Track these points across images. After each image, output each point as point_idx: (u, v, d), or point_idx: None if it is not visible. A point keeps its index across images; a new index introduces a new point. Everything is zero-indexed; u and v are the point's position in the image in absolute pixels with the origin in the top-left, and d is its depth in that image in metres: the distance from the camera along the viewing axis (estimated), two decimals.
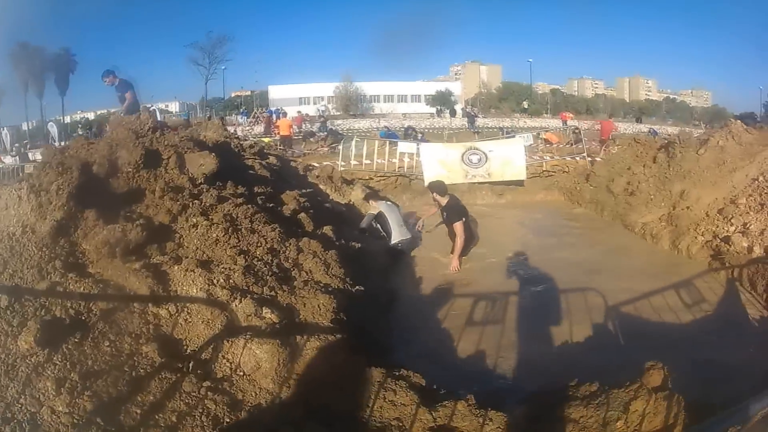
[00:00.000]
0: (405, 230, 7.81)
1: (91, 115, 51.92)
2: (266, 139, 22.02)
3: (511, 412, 3.30)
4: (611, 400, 3.16)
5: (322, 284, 4.67)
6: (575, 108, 58.90)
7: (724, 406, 2.08)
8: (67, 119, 51.77)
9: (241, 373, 3.45)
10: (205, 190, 5.35)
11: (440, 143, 16.71)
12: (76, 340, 3.36)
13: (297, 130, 27.24)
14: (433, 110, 60.01)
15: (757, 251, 6.87)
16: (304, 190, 7.93)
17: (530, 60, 66.43)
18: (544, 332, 5.22)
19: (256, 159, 8.62)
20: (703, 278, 6.66)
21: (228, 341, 3.58)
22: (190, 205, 5.00)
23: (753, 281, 6.26)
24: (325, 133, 25.00)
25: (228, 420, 3.09)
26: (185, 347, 3.64)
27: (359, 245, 6.47)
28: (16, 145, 30.00)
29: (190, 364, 3.42)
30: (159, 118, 10.07)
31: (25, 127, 46.45)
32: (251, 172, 7.69)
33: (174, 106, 57.54)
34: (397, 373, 3.63)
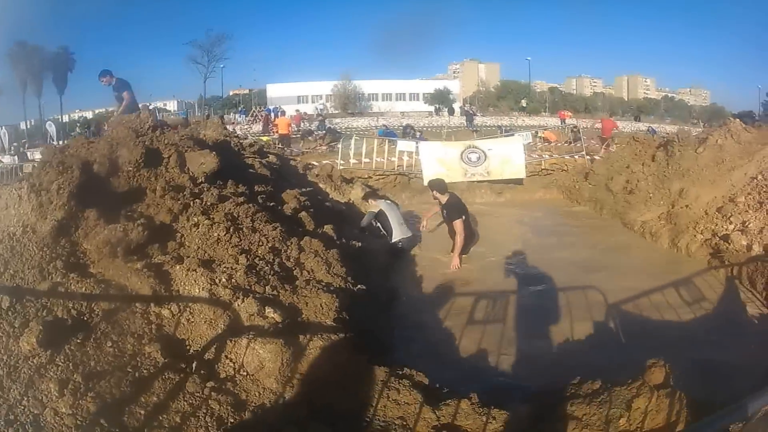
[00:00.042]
0: (405, 228, 7.81)
1: (89, 114, 51.81)
2: (265, 138, 21.99)
3: (514, 411, 3.30)
4: (614, 397, 3.17)
5: (323, 283, 4.66)
6: (573, 106, 58.95)
7: (725, 403, 2.08)
8: (66, 118, 51.71)
9: (245, 373, 3.44)
10: (206, 189, 5.33)
11: (439, 142, 16.71)
12: (78, 340, 3.34)
13: (295, 129, 27.20)
14: (432, 109, 60.02)
15: (756, 249, 6.90)
16: (304, 189, 7.92)
17: (529, 58, 66.61)
18: (545, 330, 5.23)
19: (256, 158, 8.60)
20: (703, 276, 6.67)
21: (231, 341, 3.57)
22: (191, 204, 4.98)
23: (752, 279, 6.28)
24: (324, 131, 25.00)
25: (232, 420, 3.09)
26: (188, 347, 3.63)
27: (360, 244, 6.47)
28: (15, 144, 29.91)
29: (194, 365, 3.41)
30: (157, 117, 10.02)
31: (23, 126, 46.32)
32: (251, 170, 7.67)
33: (172, 105, 57.53)
34: (400, 372, 3.64)
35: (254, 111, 44.37)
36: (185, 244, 4.61)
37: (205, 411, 3.09)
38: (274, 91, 60.71)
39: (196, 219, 4.80)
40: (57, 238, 4.17)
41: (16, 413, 2.86)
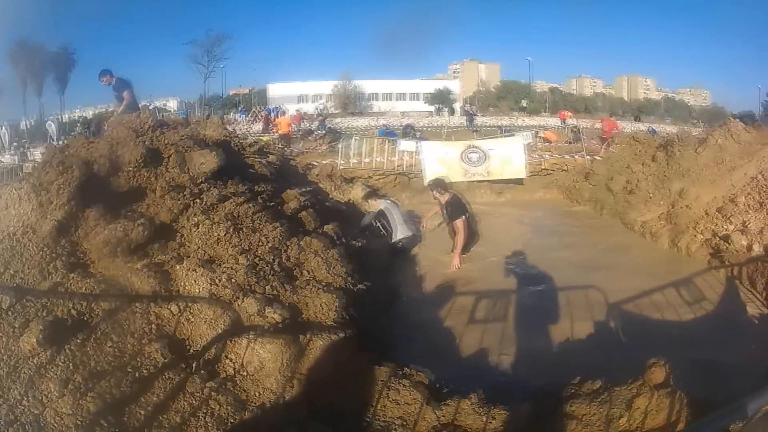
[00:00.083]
0: (407, 228, 7.81)
1: (89, 113, 51.70)
2: (265, 138, 21.96)
3: (515, 410, 3.31)
4: (614, 397, 3.18)
5: (324, 283, 4.66)
6: (574, 107, 58.83)
7: (725, 403, 2.09)
8: (66, 117, 51.63)
9: (245, 373, 3.45)
10: (206, 188, 5.33)
11: (439, 142, 16.70)
12: (79, 340, 3.35)
13: (296, 129, 27.18)
14: (432, 108, 59.98)
15: (756, 249, 6.90)
16: (304, 189, 7.92)
17: (529, 59, 66.35)
18: (546, 330, 5.23)
19: (256, 157, 8.58)
20: (703, 276, 6.66)
21: (232, 341, 3.58)
22: (192, 204, 4.99)
23: (752, 279, 6.29)
24: (324, 131, 24.97)
25: (232, 420, 3.09)
26: (189, 347, 3.63)
27: (360, 244, 6.46)
28: (15, 143, 29.84)
29: (194, 365, 3.41)
30: (157, 117, 10.02)
31: (23, 125, 46.28)
32: (252, 170, 7.66)
33: (172, 104, 57.39)
34: (401, 372, 3.65)
35: (254, 111, 44.31)
36: (186, 243, 4.62)
37: (205, 411, 3.10)
38: (275, 90, 60.60)
39: (196, 219, 4.80)
40: (57, 238, 4.18)
41: (17, 413, 2.87)
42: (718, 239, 7.54)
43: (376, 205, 8.10)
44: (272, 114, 35.50)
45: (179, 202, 4.94)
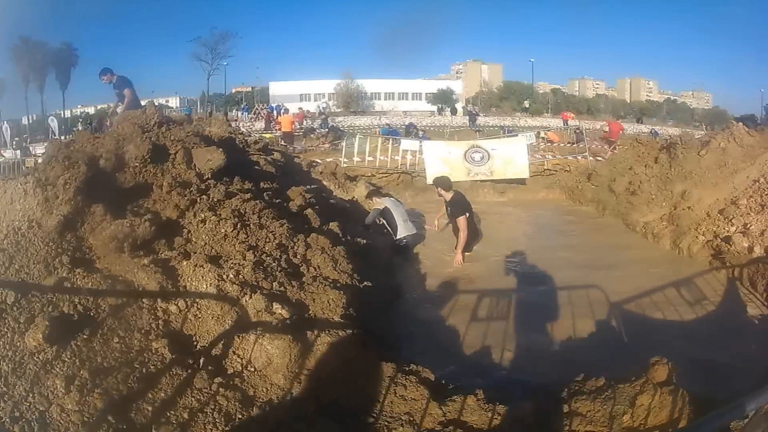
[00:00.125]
0: (410, 226, 7.81)
1: (91, 110, 51.77)
2: (267, 135, 21.98)
3: (520, 407, 3.33)
4: (618, 394, 3.20)
5: (330, 280, 4.66)
6: (576, 108, 58.79)
7: (726, 402, 2.10)
8: (68, 114, 51.68)
9: (252, 369, 3.43)
10: (212, 185, 5.32)
11: (443, 141, 16.71)
12: (85, 336, 3.33)
13: (298, 127, 27.19)
14: (434, 108, 59.95)
15: (758, 251, 6.97)
16: (309, 186, 7.91)
17: (532, 60, 66.34)
18: (548, 329, 5.28)
19: (261, 155, 8.59)
20: (704, 277, 6.73)
21: (239, 337, 3.56)
22: (198, 200, 4.97)
23: (753, 280, 6.38)
24: (326, 129, 24.98)
25: (240, 416, 3.07)
26: (195, 343, 3.62)
27: (364, 241, 6.45)
28: (17, 139, 29.88)
29: (201, 360, 3.40)
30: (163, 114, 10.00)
31: (25, 121, 46.34)
32: (257, 167, 7.66)
33: (174, 101, 57.37)
34: (407, 368, 3.66)
35: (257, 108, 44.29)
36: (192, 240, 4.60)
37: (213, 407, 3.08)
38: (277, 88, 60.58)
39: (203, 215, 4.79)
40: (63, 233, 4.16)
41: (22, 410, 2.84)
42: (719, 241, 7.61)
43: (380, 203, 8.09)
44: (275, 112, 35.51)
45: (186, 198, 4.92)
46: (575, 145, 18.72)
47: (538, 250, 7.95)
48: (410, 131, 24.92)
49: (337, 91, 60.52)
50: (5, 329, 3.27)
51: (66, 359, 3.15)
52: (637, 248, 8.42)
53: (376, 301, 5.10)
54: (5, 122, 30.78)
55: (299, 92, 59.07)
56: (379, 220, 7.85)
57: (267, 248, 4.76)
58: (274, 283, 4.24)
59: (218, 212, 4.90)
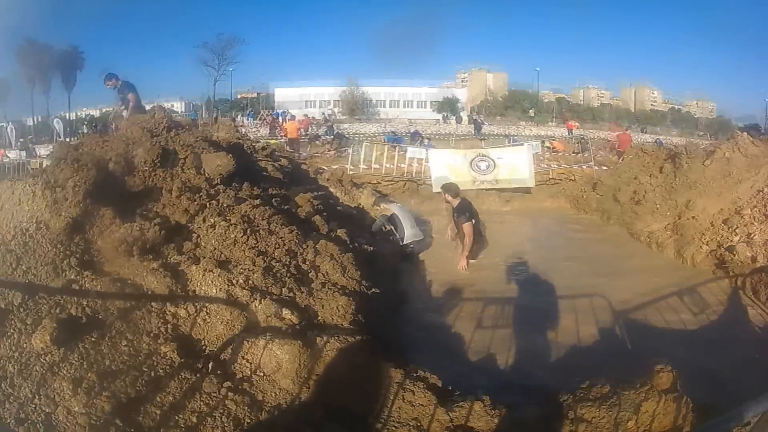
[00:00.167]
0: (417, 231, 7.82)
1: (96, 113, 51.97)
2: (272, 141, 22.04)
3: (525, 412, 3.35)
4: (623, 401, 3.22)
5: (339, 286, 4.65)
6: (581, 117, 58.84)
7: (728, 409, 2.11)
8: (72, 116, 51.89)
9: (261, 374, 3.42)
10: (221, 190, 5.32)
11: (448, 149, 16.72)
12: (93, 339, 3.32)
13: (303, 133, 27.28)
14: (439, 116, 60.07)
15: (761, 261, 6.92)
16: (316, 193, 7.91)
17: (538, 69, 66.57)
18: (552, 335, 5.28)
19: (268, 161, 8.60)
20: (707, 286, 6.70)
21: (248, 342, 3.55)
22: (208, 205, 4.97)
23: (756, 289, 6.36)
24: (332, 136, 25.05)
25: (248, 420, 3.07)
26: (204, 347, 3.61)
27: (371, 248, 6.45)
28: (21, 140, 30.05)
29: (210, 365, 3.38)
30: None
31: (30, 122, 46.57)
32: (264, 173, 7.67)
33: (179, 106, 57.53)
34: (415, 374, 3.66)
35: (262, 114, 44.44)
36: (201, 244, 4.59)
37: (221, 411, 3.07)
38: (282, 94, 60.86)
39: (212, 220, 4.78)
40: (71, 236, 4.16)
41: (27, 411, 2.83)
42: (723, 250, 7.56)
43: (386, 209, 8.10)
44: (280, 118, 35.62)
45: (195, 203, 4.93)
46: (580, 154, 18.74)
47: (543, 258, 7.94)
48: (415, 139, 24.94)
49: (342, 98, 60.71)
50: (11, 330, 3.27)
51: (73, 361, 3.14)
52: (641, 257, 8.38)
53: (383, 308, 5.09)
54: (10, 123, 31.01)
55: (304, 98, 59.30)
56: (386, 227, 7.85)
57: (276, 254, 4.75)
58: (283, 289, 4.24)
59: (228, 217, 4.90)
